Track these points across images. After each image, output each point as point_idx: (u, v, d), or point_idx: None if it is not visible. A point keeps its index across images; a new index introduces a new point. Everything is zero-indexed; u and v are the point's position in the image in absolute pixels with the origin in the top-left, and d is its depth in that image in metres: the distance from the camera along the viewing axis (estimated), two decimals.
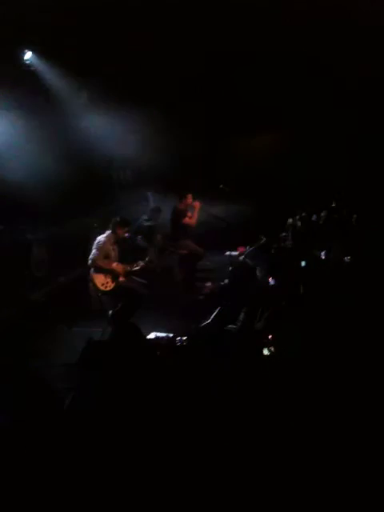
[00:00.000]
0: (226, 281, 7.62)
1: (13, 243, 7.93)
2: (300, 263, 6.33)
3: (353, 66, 8.15)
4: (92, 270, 6.10)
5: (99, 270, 6.09)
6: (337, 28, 7.46)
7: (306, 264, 6.28)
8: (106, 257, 6.17)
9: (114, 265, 6.22)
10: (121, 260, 6.42)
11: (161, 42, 7.56)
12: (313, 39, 7.70)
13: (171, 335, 4.97)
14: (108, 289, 6.13)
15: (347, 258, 5.93)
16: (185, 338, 3.60)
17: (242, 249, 8.26)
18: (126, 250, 6.96)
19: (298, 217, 8.79)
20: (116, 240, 6.34)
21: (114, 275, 6.16)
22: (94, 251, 6.08)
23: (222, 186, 8.67)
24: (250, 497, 2.64)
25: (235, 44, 7.83)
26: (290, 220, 8.56)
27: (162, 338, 5.03)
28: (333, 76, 8.57)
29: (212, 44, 7.83)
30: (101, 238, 6.22)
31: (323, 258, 6.46)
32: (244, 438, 2.99)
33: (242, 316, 4.88)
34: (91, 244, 6.30)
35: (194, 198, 8.07)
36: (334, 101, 9.15)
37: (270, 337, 4.10)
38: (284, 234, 8.59)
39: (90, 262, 6.07)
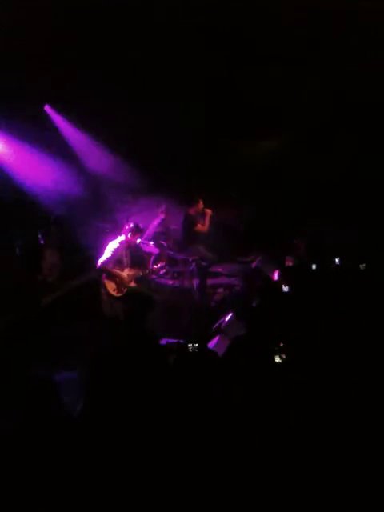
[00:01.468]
0: (238, 287, 7.58)
1: (25, 247, 7.97)
2: (311, 267, 6.28)
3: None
4: (104, 275, 6.11)
5: (107, 274, 6.09)
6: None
7: (317, 268, 6.23)
8: (119, 263, 6.18)
9: (126, 271, 6.21)
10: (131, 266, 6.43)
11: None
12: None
13: (182, 341, 4.94)
14: (120, 294, 6.13)
15: (362, 266, 5.86)
16: (197, 344, 3.57)
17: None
18: (136, 256, 6.96)
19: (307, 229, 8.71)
20: (128, 246, 6.35)
21: (121, 281, 6.14)
22: (106, 255, 6.07)
23: (233, 194, 8.66)
24: (262, 500, 2.62)
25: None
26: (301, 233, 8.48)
27: (173, 343, 5.00)
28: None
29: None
30: (114, 243, 6.22)
31: (338, 263, 6.40)
32: (254, 444, 2.95)
33: (253, 322, 4.84)
34: (102, 248, 6.32)
35: (205, 205, 8.08)
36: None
37: (281, 344, 4.05)
38: (296, 240, 8.52)
39: (99, 264, 6.06)
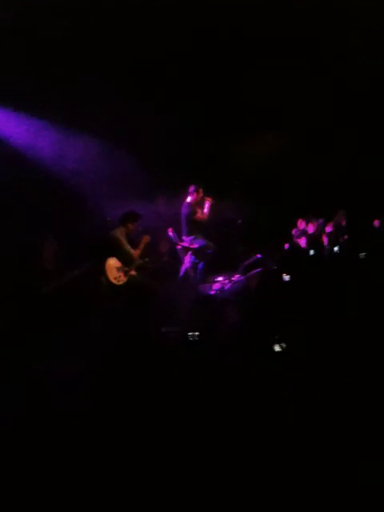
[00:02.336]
0: (238, 276, 7.58)
1: (25, 236, 7.96)
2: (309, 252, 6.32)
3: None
4: (107, 261, 6.12)
5: (117, 251, 6.12)
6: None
7: (315, 254, 6.25)
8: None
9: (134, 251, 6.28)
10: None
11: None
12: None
13: (182, 330, 4.95)
14: (120, 283, 6.15)
15: (362, 255, 5.86)
16: (197, 333, 3.58)
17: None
18: (135, 244, 6.97)
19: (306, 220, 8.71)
20: (127, 234, 6.35)
21: (127, 268, 6.17)
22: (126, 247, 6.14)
23: (236, 181, 8.64)
24: (260, 498, 2.62)
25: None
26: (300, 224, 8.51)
27: (173, 332, 5.02)
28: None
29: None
30: (115, 234, 6.24)
31: (336, 251, 6.41)
32: (252, 436, 2.96)
33: (253, 311, 4.85)
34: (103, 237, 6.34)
35: (205, 193, 8.07)
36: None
37: (280, 333, 4.07)
38: (295, 230, 8.53)
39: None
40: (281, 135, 10.24)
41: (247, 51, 7.92)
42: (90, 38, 7.24)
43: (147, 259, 6.51)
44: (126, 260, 6.25)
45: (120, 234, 6.24)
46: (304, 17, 7.07)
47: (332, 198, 9.48)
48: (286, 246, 7.20)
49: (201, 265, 8.00)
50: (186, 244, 8.27)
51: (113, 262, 6.12)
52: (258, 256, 8.01)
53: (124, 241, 6.21)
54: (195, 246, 8.02)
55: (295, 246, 7.26)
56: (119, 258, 6.17)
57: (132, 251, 6.25)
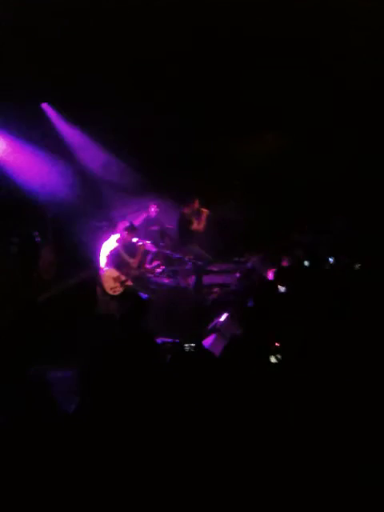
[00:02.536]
0: (234, 287, 7.60)
1: (22, 245, 7.96)
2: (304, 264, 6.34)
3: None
4: (103, 272, 6.13)
5: (116, 263, 6.12)
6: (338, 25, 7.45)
7: (310, 264, 6.27)
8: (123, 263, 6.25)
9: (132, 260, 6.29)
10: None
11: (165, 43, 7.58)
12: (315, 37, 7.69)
13: (177, 341, 4.95)
14: (116, 293, 6.15)
15: (358, 266, 5.89)
16: (193, 344, 3.58)
17: None
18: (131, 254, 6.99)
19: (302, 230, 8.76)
20: (123, 244, 6.37)
21: (123, 279, 6.18)
22: (105, 256, 6.13)
23: (236, 182, 8.66)
24: (260, 499, 2.63)
25: (237, 44, 7.83)
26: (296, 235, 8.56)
27: (169, 343, 5.02)
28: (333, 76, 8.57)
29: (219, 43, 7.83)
30: (110, 242, 6.25)
31: (331, 262, 6.44)
32: (250, 444, 2.97)
33: (248, 322, 4.85)
34: (98, 247, 6.35)
35: (201, 204, 8.09)
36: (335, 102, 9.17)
37: (277, 344, 4.07)
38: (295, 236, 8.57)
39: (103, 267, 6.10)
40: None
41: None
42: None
43: (146, 267, 6.53)
44: (124, 270, 6.26)
45: (118, 244, 6.26)
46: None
47: (331, 199, 9.52)
48: (282, 256, 7.21)
49: (196, 275, 8.01)
50: (181, 255, 8.29)
51: (109, 273, 6.13)
52: (253, 266, 8.04)
53: (123, 252, 6.23)
54: (191, 256, 8.04)
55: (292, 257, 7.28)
56: (118, 269, 6.18)
57: (130, 260, 6.26)
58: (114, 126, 8.84)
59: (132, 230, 6.38)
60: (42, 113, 9.00)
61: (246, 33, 7.57)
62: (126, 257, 6.22)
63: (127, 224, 6.38)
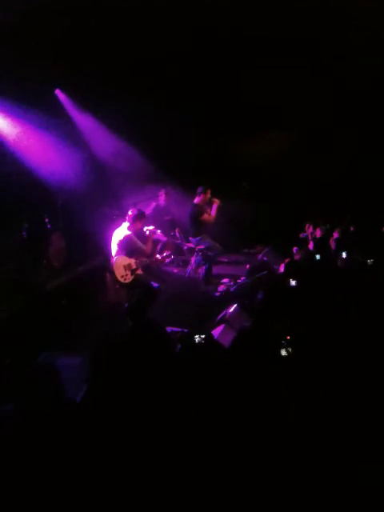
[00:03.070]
0: (243, 278, 7.56)
1: (31, 232, 7.96)
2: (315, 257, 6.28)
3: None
4: (114, 260, 6.09)
5: (130, 250, 6.11)
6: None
7: (321, 258, 6.22)
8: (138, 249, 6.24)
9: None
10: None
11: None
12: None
13: (186, 331, 4.93)
14: (127, 281, 6.12)
15: (370, 261, 5.82)
16: (203, 335, 3.55)
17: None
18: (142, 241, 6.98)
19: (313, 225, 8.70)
20: (135, 232, 6.34)
21: (134, 267, 6.16)
22: (139, 245, 6.14)
23: (244, 184, 8.63)
24: (261, 495, 2.61)
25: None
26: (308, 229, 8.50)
27: (177, 332, 5.00)
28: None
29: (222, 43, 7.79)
30: (121, 231, 6.21)
31: (344, 257, 6.38)
32: (257, 437, 2.95)
33: (258, 315, 4.83)
34: (109, 235, 6.32)
35: (213, 195, 8.05)
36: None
37: (287, 337, 4.04)
38: (303, 234, 8.51)
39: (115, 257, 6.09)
40: (280, 135, 10.23)
41: (247, 51, 7.91)
42: (91, 38, 7.25)
43: (157, 258, 6.49)
44: (136, 257, 6.22)
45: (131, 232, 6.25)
46: (304, 17, 7.04)
47: (336, 199, 9.47)
48: (294, 249, 7.16)
49: (206, 266, 7.98)
50: (192, 245, 8.27)
51: (120, 260, 6.10)
52: (264, 258, 8.01)
53: (136, 239, 6.20)
54: (201, 246, 8.01)
55: (303, 251, 7.23)
56: (131, 256, 6.16)
57: (144, 247, 6.23)
58: (125, 114, 8.81)
59: (142, 217, 6.34)
60: (56, 99, 8.96)
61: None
62: (139, 243, 6.19)
63: (137, 212, 6.33)
